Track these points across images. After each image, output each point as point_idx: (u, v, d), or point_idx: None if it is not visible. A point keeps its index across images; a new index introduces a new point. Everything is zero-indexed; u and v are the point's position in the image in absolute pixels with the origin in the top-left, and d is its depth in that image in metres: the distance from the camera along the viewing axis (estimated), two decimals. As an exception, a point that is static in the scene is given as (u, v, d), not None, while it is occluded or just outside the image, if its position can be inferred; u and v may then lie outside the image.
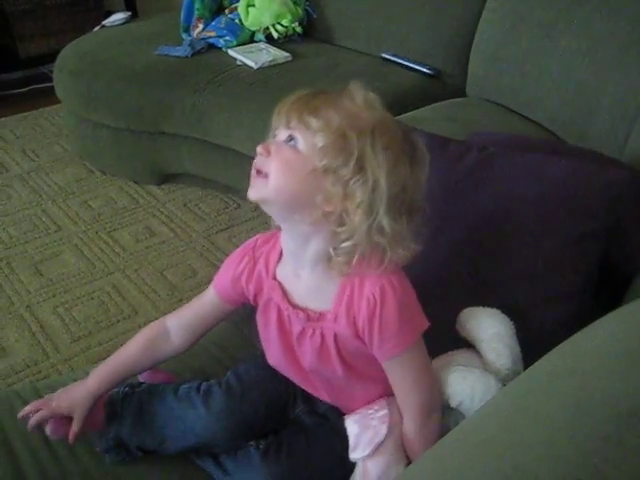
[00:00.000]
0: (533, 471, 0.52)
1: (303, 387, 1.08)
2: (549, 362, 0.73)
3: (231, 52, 2.56)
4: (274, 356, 1.07)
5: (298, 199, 0.91)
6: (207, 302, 1.11)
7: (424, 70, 2.40)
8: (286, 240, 1.00)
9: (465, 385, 0.98)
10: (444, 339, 1.05)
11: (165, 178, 2.74)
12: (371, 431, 0.98)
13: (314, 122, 0.90)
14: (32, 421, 1.06)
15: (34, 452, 1.08)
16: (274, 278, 1.03)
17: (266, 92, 2.31)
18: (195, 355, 1.24)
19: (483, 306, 1.04)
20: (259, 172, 0.92)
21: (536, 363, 0.76)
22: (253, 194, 0.93)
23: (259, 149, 0.93)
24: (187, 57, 2.54)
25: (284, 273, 1.02)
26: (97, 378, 1.10)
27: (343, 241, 0.91)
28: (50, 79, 2.93)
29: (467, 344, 1.08)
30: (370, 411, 1.01)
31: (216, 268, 2.22)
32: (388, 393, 1.01)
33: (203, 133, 2.43)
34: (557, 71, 1.93)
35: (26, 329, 2.05)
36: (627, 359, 0.65)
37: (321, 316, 0.97)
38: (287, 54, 2.52)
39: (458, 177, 1.17)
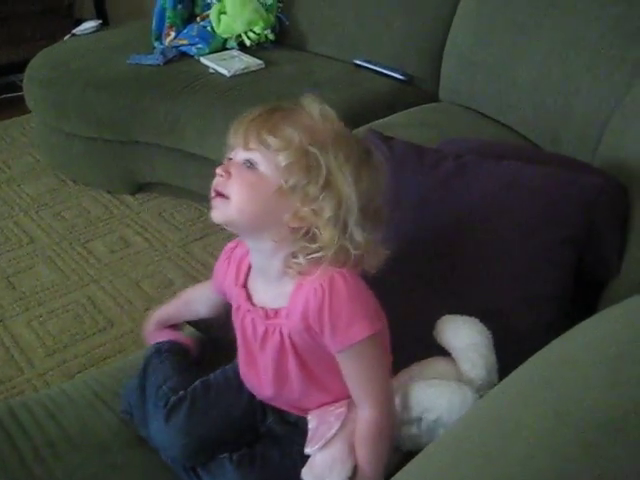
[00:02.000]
0: (514, 484, 0.51)
1: (261, 398, 1.08)
2: (526, 371, 0.73)
3: (203, 60, 2.54)
4: (240, 362, 1.08)
5: (263, 219, 0.92)
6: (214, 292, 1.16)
7: (397, 76, 2.41)
8: (254, 256, 1.01)
9: (442, 400, 0.98)
10: (419, 347, 1.05)
11: (139, 187, 2.72)
12: (326, 426, 0.99)
13: (274, 142, 0.90)
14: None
15: (8, 470, 1.06)
16: (243, 286, 1.04)
17: (239, 100, 2.30)
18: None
19: (460, 313, 1.04)
20: (219, 194, 0.93)
21: (513, 373, 0.76)
22: (217, 216, 0.94)
23: (218, 171, 0.94)
24: (159, 65, 2.52)
25: (252, 278, 1.04)
26: (149, 321, 1.27)
27: (312, 253, 0.92)
28: (20, 88, 2.89)
29: (443, 352, 1.08)
30: (331, 408, 1.01)
31: (192, 278, 2.23)
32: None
33: (177, 142, 2.41)
34: (530, 76, 1.94)
35: (-1, 344, 2.02)
36: (605, 367, 0.65)
37: (277, 313, 0.98)
38: (260, 61, 2.51)
39: (434, 185, 1.17)
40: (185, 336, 1.27)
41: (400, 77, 2.39)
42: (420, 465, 0.67)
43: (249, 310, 1.02)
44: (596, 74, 1.76)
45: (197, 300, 1.23)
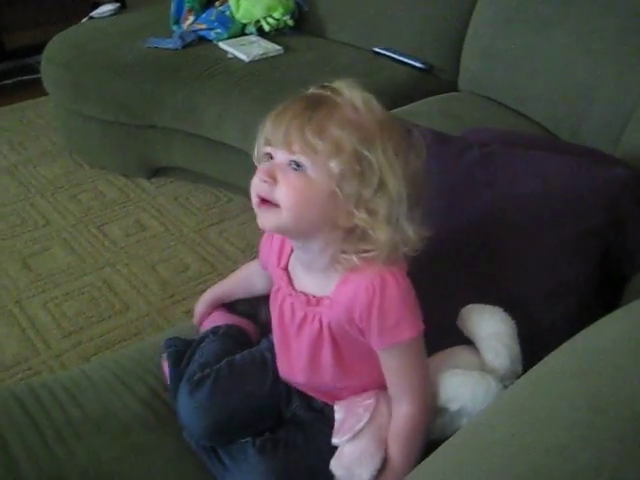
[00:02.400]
0: (550, 474, 0.51)
1: (292, 383, 1.07)
2: (556, 361, 0.73)
3: (222, 45, 2.54)
4: (278, 345, 1.07)
5: (317, 224, 0.90)
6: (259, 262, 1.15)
7: (416, 64, 2.39)
8: (299, 255, 0.99)
9: (465, 389, 0.98)
10: (444, 336, 1.05)
11: (155, 172, 2.72)
12: (354, 418, 0.99)
13: (323, 146, 0.86)
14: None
15: (31, 450, 1.07)
16: (285, 268, 1.02)
17: (258, 85, 2.29)
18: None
19: (484, 303, 1.04)
20: (265, 201, 0.89)
21: (541, 362, 0.76)
22: (267, 224, 0.91)
23: (262, 175, 0.89)
24: (177, 49, 2.51)
25: (294, 264, 1.02)
26: (204, 298, 1.26)
27: (365, 252, 0.90)
28: (37, 71, 2.89)
29: (467, 341, 1.07)
30: (358, 399, 1.01)
31: (207, 262, 2.24)
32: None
33: (194, 126, 2.40)
34: (551, 66, 1.93)
35: (16, 325, 2.03)
36: (636, 361, 0.65)
37: (319, 301, 0.97)
38: (279, 47, 2.50)
39: (459, 174, 1.16)
40: (245, 320, 1.25)
41: (420, 65, 2.38)
42: (449, 452, 0.67)
43: (290, 294, 1.00)
44: (619, 65, 1.74)
45: (254, 274, 1.21)
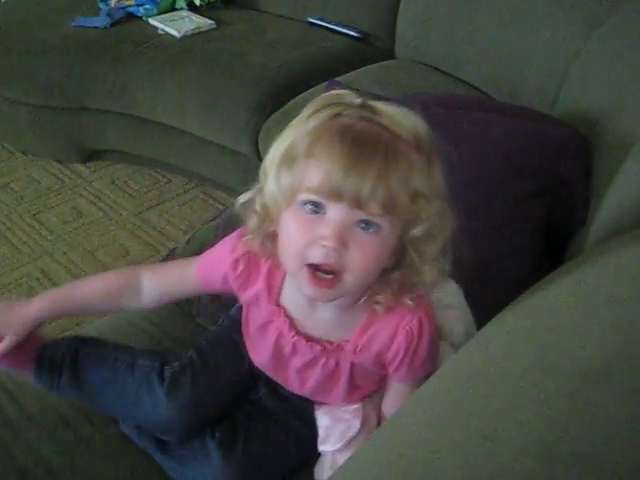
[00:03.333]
0: (503, 437, 0.49)
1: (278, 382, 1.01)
2: (504, 321, 0.71)
3: (152, 21, 2.46)
4: (259, 361, 1.00)
5: (372, 279, 0.81)
6: (189, 279, 0.98)
7: (351, 33, 2.36)
8: None
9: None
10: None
11: (90, 155, 2.63)
12: (343, 424, 0.96)
13: (404, 205, 0.75)
14: None
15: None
16: (277, 304, 0.91)
17: (191, 61, 2.23)
18: (126, 333, 1.19)
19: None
20: (328, 272, 0.76)
21: (489, 324, 0.75)
22: (327, 297, 0.81)
23: (334, 244, 0.74)
24: (106, 28, 2.42)
25: (292, 298, 0.90)
26: (42, 303, 0.99)
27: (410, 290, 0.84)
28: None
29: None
30: (342, 406, 0.97)
31: (149, 245, 2.18)
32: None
33: (127, 106, 2.33)
34: (486, 30, 1.92)
35: (-50, 321, 1.94)
36: (582, 316, 0.64)
37: (339, 347, 0.90)
38: (211, 21, 2.43)
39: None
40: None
41: (355, 34, 2.35)
42: (401, 422, 0.65)
43: (294, 337, 0.90)
44: (554, 26, 1.75)
45: (138, 290, 1.00)
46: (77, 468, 1.01)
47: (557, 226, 1.13)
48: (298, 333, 0.90)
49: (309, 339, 0.90)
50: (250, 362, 1.01)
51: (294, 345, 0.92)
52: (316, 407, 0.99)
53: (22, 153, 2.71)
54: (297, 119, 0.81)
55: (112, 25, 2.44)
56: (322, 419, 0.97)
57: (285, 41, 2.33)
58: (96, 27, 2.43)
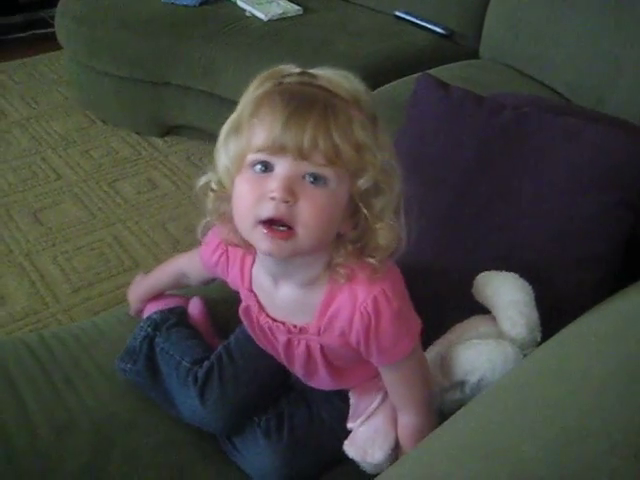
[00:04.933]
0: (584, 434, 0.50)
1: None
2: (585, 325, 0.71)
3: (240, 3, 2.49)
4: (262, 346, 1.03)
5: (329, 239, 0.81)
6: (200, 265, 1.06)
7: (438, 30, 2.35)
8: (270, 268, 0.88)
9: (483, 358, 0.96)
10: (466, 304, 1.03)
11: (168, 130, 2.69)
12: (367, 399, 0.98)
13: (348, 155, 0.76)
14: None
15: (42, 399, 1.06)
16: (250, 289, 0.94)
17: (277, 45, 2.25)
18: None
19: (509, 268, 1.02)
20: (280, 225, 0.76)
21: (569, 326, 0.74)
22: (281, 253, 0.78)
23: (281, 195, 0.75)
24: (195, 6, 2.48)
25: (259, 281, 0.93)
26: (137, 294, 1.23)
27: (368, 257, 0.82)
28: (50, 24, 2.86)
29: (485, 309, 1.05)
30: (371, 383, 0.99)
31: (219, 224, 2.21)
32: None
33: (210, 86, 2.37)
34: (577, 34, 1.88)
35: (25, 278, 2.02)
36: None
37: (302, 329, 0.90)
38: (298, 7, 2.46)
39: (492, 134, 1.13)
40: (177, 296, 1.22)
41: (441, 31, 2.34)
42: (472, 415, 0.65)
43: (266, 322, 0.94)
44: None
45: (185, 275, 1.16)
46: (151, 426, 1.04)
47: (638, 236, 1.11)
48: (268, 316, 0.93)
49: (275, 320, 0.93)
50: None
51: (269, 328, 0.94)
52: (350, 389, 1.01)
53: (103, 122, 2.79)
54: (244, 95, 0.84)
55: (201, 4, 2.49)
56: (352, 397, 1.00)
57: (370, 32, 2.33)
58: (186, 5, 2.48)
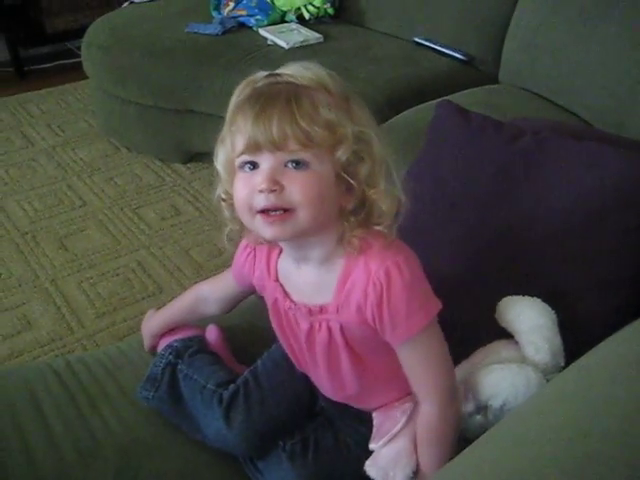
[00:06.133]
0: (607, 460, 0.50)
1: (320, 389, 1.05)
2: (610, 349, 0.71)
3: (262, 32, 2.53)
4: (292, 356, 1.04)
5: (331, 214, 0.87)
6: (230, 283, 1.11)
7: (457, 55, 2.36)
8: (291, 253, 0.94)
9: (505, 383, 0.96)
10: (488, 329, 1.03)
11: (191, 157, 2.73)
12: (391, 421, 0.97)
13: (322, 136, 0.82)
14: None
15: (68, 423, 1.08)
16: (276, 280, 0.98)
17: (297, 73, 2.28)
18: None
19: (530, 293, 1.02)
20: (277, 209, 0.83)
21: (593, 350, 0.74)
22: (284, 234, 0.85)
23: (266, 185, 0.81)
24: (217, 35, 2.52)
25: (284, 270, 0.97)
26: (150, 328, 1.24)
27: (374, 225, 0.87)
28: (76, 55, 2.93)
29: (507, 334, 1.05)
30: (396, 403, 0.99)
31: (242, 249, 2.23)
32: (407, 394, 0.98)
33: (232, 112, 2.40)
34: (597, 59, 1.89)
35: (51, 303, 2.05)
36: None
37: (322, 309, 0.92)
38: (318, 35, 2.49)
39: (512, 159, 1.13)
40: (192, 327, 1.23)
41: (460, 57, 2.35)
42: (495, 440, 0.65)
43: (290, 307, 0.96)
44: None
45: (202, 303, 1.18)
46: (173, 452, 1.05)
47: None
48: (292, 301, 0.96)
49: (297, 304, 0.96)
50: (306, 377, 1.05)
51: (294, 315, 0.96)
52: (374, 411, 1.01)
53: (127, 149, 2.83)
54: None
55: (223, 33, 2.53)
56: (376, 418, 0.99)
57: (389, 59, 2.36)
58: (209, 34, 2.52)
